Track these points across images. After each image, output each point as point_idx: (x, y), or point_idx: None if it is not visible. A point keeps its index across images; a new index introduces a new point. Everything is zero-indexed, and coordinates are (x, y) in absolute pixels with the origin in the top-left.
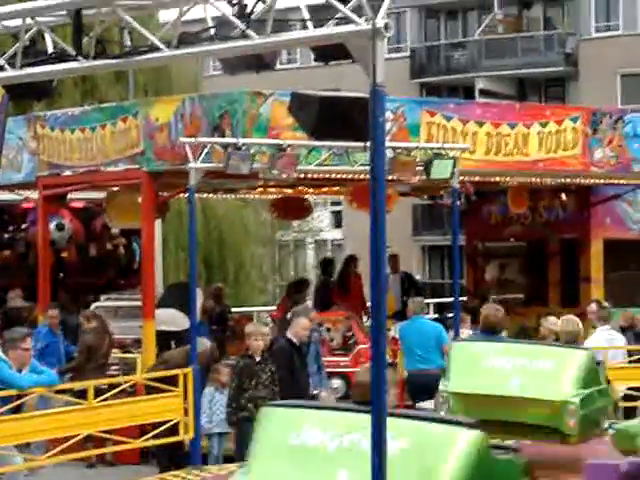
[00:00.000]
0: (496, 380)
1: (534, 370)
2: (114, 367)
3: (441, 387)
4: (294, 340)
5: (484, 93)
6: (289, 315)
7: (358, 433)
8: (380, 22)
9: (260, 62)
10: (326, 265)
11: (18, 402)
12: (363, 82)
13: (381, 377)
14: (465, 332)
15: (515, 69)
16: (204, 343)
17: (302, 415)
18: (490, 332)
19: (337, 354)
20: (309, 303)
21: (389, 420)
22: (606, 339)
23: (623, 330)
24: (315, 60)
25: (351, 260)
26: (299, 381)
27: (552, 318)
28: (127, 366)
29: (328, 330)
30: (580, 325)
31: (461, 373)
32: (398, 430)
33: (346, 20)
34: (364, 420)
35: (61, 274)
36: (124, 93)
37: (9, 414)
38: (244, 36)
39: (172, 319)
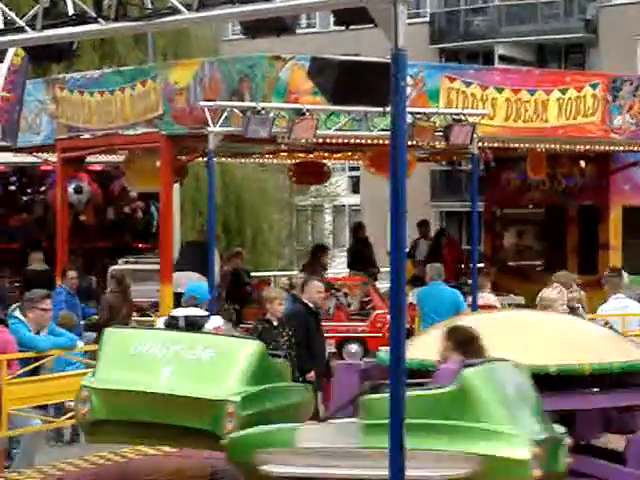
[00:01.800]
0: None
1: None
2: None
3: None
4: (309, 304)
5: (503, 59)
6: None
7: (181, 345)
8: None
9: (281, 25)
10: (357, 229)
11: (36, 364)
12: (382, 47)
13: (401, 344)
14: (487, 297)
15: (535, 35)
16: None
17: (140, 333)
18: None
19: (354, 319)
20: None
21: (202, 337)
22: (615, 307)
23: None
24: (336, 24)
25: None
26: (315, 345)
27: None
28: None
29: (346, 295)
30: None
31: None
32: (208, 343)
33: None
34: (188, 337)
35: (78, 237)
36: (143, 57)
37: (27, 376)
38: None
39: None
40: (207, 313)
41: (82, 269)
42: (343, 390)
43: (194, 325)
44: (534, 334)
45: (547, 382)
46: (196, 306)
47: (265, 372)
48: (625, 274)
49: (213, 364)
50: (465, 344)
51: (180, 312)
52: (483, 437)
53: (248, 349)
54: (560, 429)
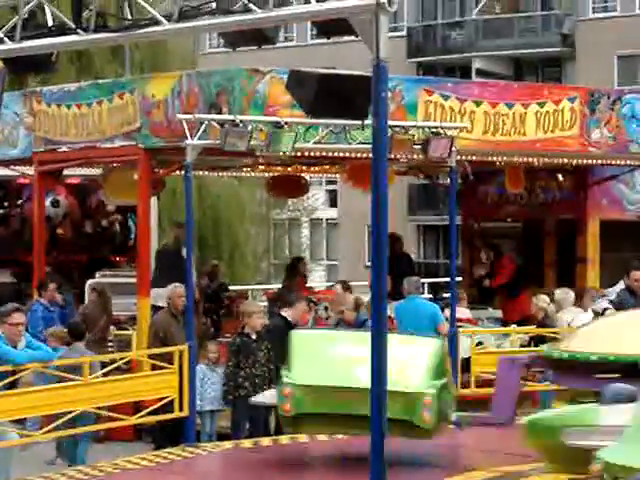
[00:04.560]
0: (341, 371)
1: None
2: (109, 344)
3: (284, 379)
4: (288, 318)
5: (481, 73)
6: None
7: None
8: None
9: (262, 36)
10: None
11: (13, 378)
12: (360, 61)
13: (382, 357)
14: (462, 311)
15: (512, 49)
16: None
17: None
18: None
19: None
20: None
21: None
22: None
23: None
24: (317, 35)
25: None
26: None
27: (543, 296)
28: (122, 343)
29: (326, 309)
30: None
31: (305, 364)
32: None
33: None
34: None
35: (55, 251)
36: (120, 70)
37: (4, 390)
38: (246, 10)
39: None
40: None
41: (62, 284)
42: (503, 383)
43: None
44: None
45: None
46: None
47: (441, 367)
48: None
49: (404, 360)
50: None
51: None
52: None
53: (432, 347)
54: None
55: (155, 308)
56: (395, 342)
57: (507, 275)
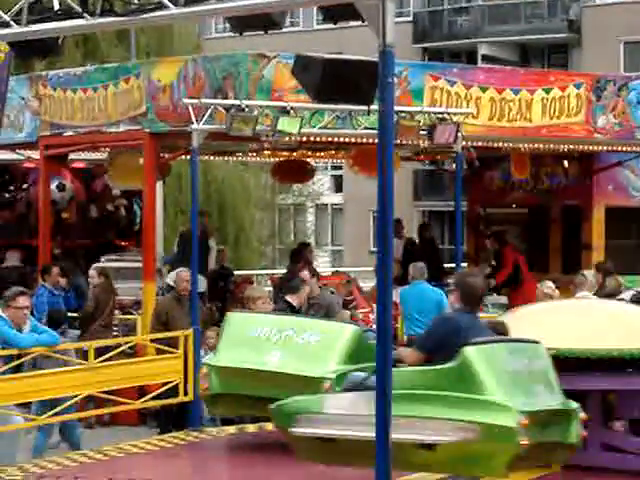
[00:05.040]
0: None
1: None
2: (114, 328)
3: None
4: (294, 303)
5: (487, 59)
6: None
7: (291, 330)
8: None
9: (269, 21)
10: (423, 230)
11: (18, 361)
12: (366, 47)
13: (387, 340)
14: None
15: (518, 35)
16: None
17: (257, 317)
18: None
19: None
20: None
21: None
22: None
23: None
24: (323, 20)
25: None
26: None
27: (548, 282)
28: (127, 327)
29: (331, 293)
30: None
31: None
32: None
33: None
34: (296, 321)
35: (60, 235)
36: (125, 54)
37: (10, 373)
38: None
39: None
40: None
41: (72, 268)
42: None
43: None
44: (595, 320)
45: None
46: None
47: (361, 353)
48: (590, 273)
49: (317, 347)
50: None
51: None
52: (477, 407)
53: (346, 333)
54: (573, 404)
55: (171, 288)
56: (312, 328)
57: (508, 267)
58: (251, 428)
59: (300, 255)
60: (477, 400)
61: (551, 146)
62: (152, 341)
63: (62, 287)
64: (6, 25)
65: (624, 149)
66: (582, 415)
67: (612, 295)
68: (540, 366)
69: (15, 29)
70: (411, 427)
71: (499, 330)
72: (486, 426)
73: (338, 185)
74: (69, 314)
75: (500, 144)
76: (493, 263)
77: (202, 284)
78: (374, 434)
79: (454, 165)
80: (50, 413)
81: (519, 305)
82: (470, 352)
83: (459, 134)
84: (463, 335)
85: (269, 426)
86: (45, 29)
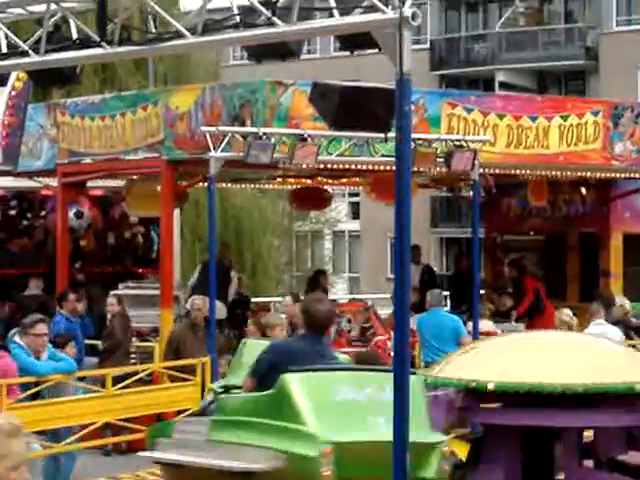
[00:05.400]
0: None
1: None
2: (132, 355)
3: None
4: None
5: (504, 86)
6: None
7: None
8: (407, 11)
9: (286, 50)
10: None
11: (36, 389)
12: (383, 73)
13: (405, 368)
14: (485, 323)
15: (535, 62)
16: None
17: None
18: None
19: (355, 345)
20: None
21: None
22: (597, 333)
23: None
24: (340, 49)
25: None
26: None
27: (566, 310)
28: (144, 354)
29: (349, 321)
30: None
31: (235, 369)
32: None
33: (373, 8)
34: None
35: (78, 263)
36: (143, 82)
37: (28, 401)
38: (270, 24)
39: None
40: None
41: (100, 294)
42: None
43: None
44: (565, 353)
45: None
46: None
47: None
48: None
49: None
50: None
51: None
52: (287, 436)
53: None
54: (434, 438)
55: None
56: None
57: (530, 296)
58: None
59: (317, 282)
60: (287, 428)
61: (568, 173)
62: (167, 369)
63: (79, 314)
64: (25, 54)
65: None
66: (445, 449)
67: (619, 322)
68: (389, 397)
69: (34, 58)
70: (231, 454)
71: (368, 361)
72: (291, 455)
73: (355, 212)
74: (86, 341)
75: (517, 171)
76: (510, 290)
77: (221, 312)
78: (210, 460)
79: (471, 192)
80: (72, 438)
81: None
82: (288, 379)
83: (476, 161)
84: (294, 361)
85: None
86: (63, 58)
